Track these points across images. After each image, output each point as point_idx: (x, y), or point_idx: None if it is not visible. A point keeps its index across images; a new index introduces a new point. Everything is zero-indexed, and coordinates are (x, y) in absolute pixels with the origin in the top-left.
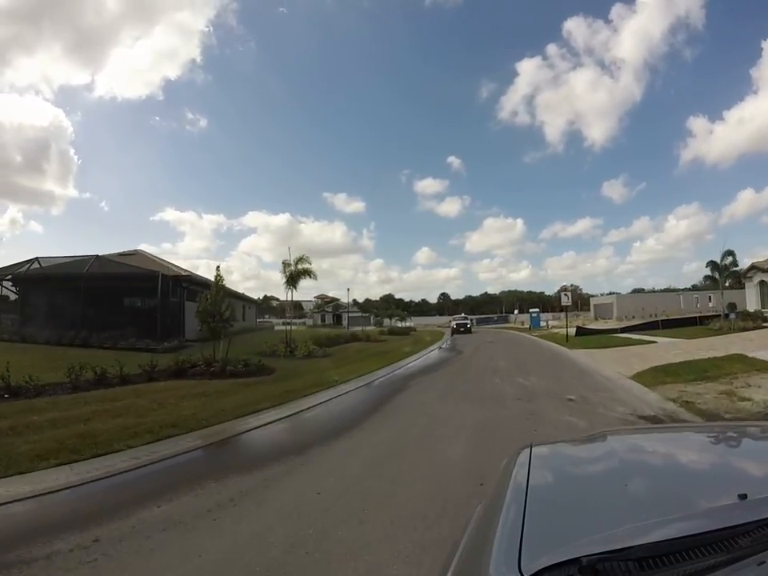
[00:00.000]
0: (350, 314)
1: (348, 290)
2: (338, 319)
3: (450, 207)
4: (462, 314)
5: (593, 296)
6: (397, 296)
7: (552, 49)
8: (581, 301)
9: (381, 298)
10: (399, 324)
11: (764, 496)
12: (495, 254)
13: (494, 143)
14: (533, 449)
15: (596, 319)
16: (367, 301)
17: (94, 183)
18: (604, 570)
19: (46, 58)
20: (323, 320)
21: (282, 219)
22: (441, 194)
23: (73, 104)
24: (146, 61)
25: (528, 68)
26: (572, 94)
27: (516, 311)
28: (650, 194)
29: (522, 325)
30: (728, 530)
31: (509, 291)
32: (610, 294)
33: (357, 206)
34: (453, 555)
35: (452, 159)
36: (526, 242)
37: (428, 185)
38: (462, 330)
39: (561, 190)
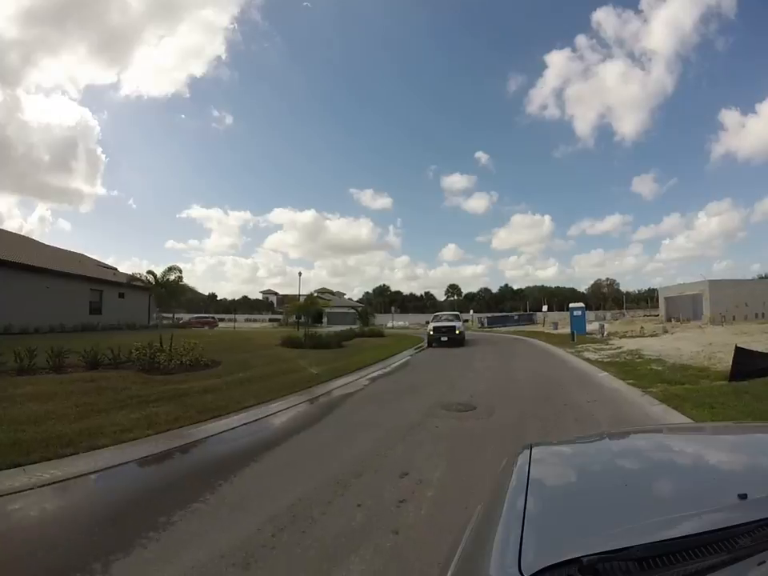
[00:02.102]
0: (337, 311)
1: (300, 273)
2: (318, 316)
3: (478, 203)
4: (450, 312)
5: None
6: (424, 292)
7: (581, 40)
8: (625, 297)
9: (373, 291)
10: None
11: (764, 496)
12: (522, 251)
13: (523, 138)
14: (533, 449)
15: (669, 320)
16: (366, 294)
17: (122, 181)
18: (604, 570)
19: (71, 59)
20: (299, 317)
21: (307, 216)
22: (468, 189)
23: (99, 103)
24: (171, 59)
25: (557, 60)
26: (602, 87)
27: (545, 308)
28: (681, 189)
29: (556, 329)
30: (728, 530)
31: (533, 286)
32: (676, 284)
33: (383, 202)
34: (453, 555)
35: (480, 155)
36: (554, 238)
37: (455, 180)
38: (443, 339)
39: (590, 186)
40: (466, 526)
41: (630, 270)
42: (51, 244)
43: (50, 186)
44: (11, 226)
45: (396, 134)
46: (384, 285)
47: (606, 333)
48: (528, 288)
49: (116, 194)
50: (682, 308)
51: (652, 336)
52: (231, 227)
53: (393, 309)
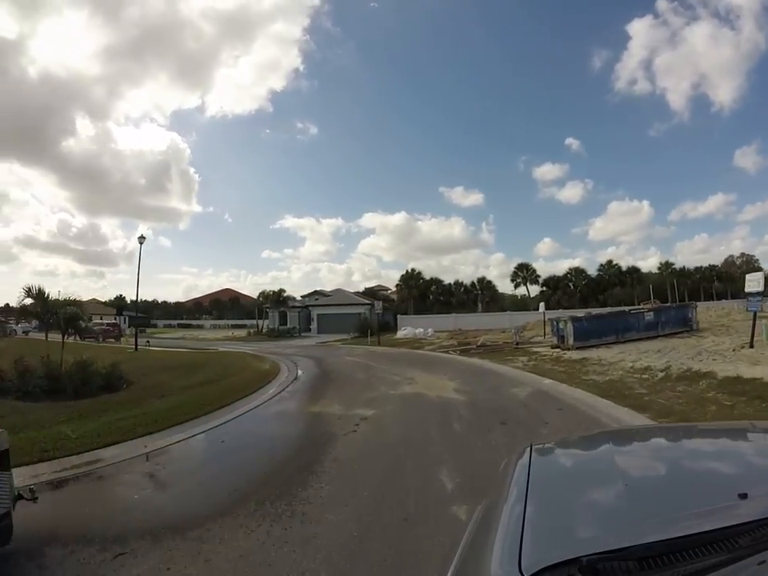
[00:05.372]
0: (332, 312)
1: (141, 239)
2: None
3: (572, 193)
4: None
5: None
6: (477, 279)
7: (662, 4)
8: None
9: (400, 279)
10: None
11: (764, 496)
12: (621, 241)
13: (614, 118)
14: (533, 449)
15: None
16: (398, 286)
17: (216, 197)
18: (604, 570)
19: (155, 88)
20: (283, 321)
21: (398, 218)
22: (561, 179)
23: (187, 126)
24: (250, 76)
25: (640, 29)
26: (692, 53)
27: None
28: None
29: None
30: (728, 530)
31: (651, 273)
32: None
33: (474, 198)
34: (453, 555)
35: (570, 141)
36: (653, 225)
37: (547, 170)
38: None
39: (689, 165)
40: (467, 525)
41: (738, 256)
42: (154, 260)
43: (149, 207)
44: (116, 246)
45: (481, 128)
46: (413, 270)
47: None
48: (650, 274)
49: (211, 210)
50: None
51: None
52: (324, 234)
53: (376, 304)
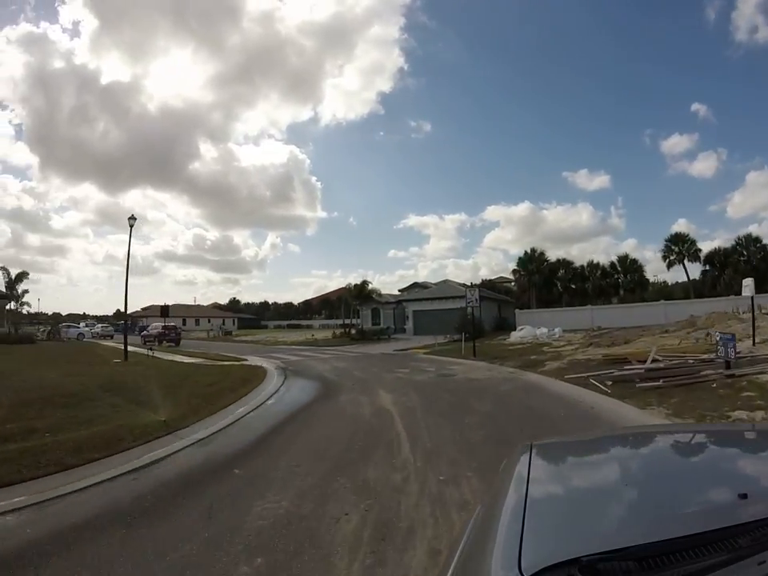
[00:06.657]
0: (429, 308)
1: (131, 220)
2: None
3: (704, 165)
4: None
5: None
6: (617, 258)
7: None
8: None
9: (518, 261)
10: None
11: (764, 496)
12: (763, 217)
13: (740, 74)
14: (533, 448)
15: None
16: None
17: (339, 202)
18: (604, 570)
19: (267, 107)
20: (377, 319)
21: (522, 209)
22: (691, 150)
23: (303, 138)
24: (357, 82)
25: None
26: None
27: None
28: None
29: None
30: (728, 530)
31: None
32: None
33: (600, 180)
34: (453, 555)
35: (696, 106)
36: None
37: (675, 143)
38: None
39: None
40: (467, 525)
41: None
42: (285, 266)
43: (276, 216)
44: (248, 254)
45: (601, 103)
46: (533, 251)
47: None
48: None
49: (336, 215)
50: None
51: None
52: (448, 231)
53: (468, 294)
